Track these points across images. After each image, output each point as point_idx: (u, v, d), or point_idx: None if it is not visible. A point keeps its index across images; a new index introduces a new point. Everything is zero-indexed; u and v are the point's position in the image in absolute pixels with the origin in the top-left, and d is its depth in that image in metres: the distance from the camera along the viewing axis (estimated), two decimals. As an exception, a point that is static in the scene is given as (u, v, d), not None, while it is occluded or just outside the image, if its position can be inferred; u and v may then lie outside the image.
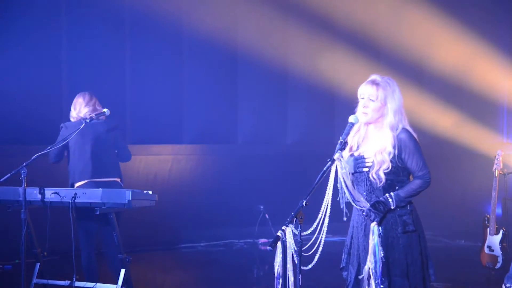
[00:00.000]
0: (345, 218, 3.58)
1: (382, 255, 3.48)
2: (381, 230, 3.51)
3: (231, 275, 7.04)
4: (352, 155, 3.65)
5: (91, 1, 8.26)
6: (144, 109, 8.59)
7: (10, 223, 5.79)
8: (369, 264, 3.51)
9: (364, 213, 3.56)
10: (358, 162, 3.57)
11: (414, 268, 3.55)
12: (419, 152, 3.56)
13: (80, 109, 5.39)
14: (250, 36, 9.17)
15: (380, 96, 3.56)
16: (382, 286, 3.48)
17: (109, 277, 5.37)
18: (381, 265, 3.48)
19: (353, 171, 3.61)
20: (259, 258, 7.86)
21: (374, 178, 3.54)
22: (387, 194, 3.53)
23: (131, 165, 8.36)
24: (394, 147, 3.54)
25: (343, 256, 3.78)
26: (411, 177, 3.62)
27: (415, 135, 3.61)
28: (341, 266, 3.78)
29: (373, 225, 3.52)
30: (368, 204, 3.56)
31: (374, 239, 3.50)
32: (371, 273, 3.50)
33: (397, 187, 3.56)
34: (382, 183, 3.53)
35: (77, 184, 5.22)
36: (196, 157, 9.06)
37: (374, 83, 3.60)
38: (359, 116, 3.59)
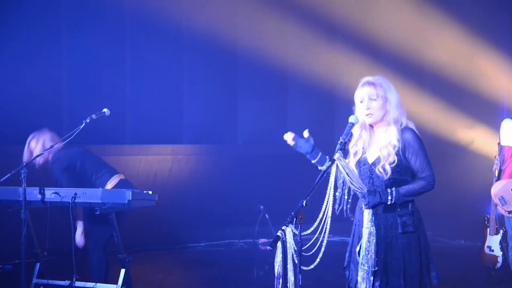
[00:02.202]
0: (345, 215, 3.55)
1: (373, 241, 3.49)
2: (372, 220, 3.52)
3: (231, 275, 7.04)
4: (358, 160, 3.64)
5: (91, 1, 8.26)
6: (144, 109, 8.59)
7: (10, 223, 5.79)
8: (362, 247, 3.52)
9: (360, 195, 3.56)
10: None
11: (411, 270, 3.53)
12: (424, 153, 3.54)
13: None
14: (250, 36, 9.17)
15: (380, 93, 3.56)
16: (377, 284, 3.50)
17: (109, 277, 5.36)
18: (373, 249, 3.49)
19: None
20: (259, 258, 7.87)
21: (380, 172, 3.52)
22: (388, 189, 3.52)
23: (131, 165, 8.37)
24: (398, 141, 3.53)
25: (346, 255, 3.78)
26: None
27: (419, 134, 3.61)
28: (344, 265, 3.78)
29: (364, 209, 3.55)
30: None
31: (367, 225, 3.52)
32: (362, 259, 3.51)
33: (399, 186, 3.55)
34: (388, 175, 3.52)
35: (111, 184, 5.25)
36: (196, 157, 9.06)
37: (371, 83, 3.59)
38: (364, 119, 3.58)
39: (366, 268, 3.49)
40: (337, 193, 3.47)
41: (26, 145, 5.31)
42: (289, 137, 3.75)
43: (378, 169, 3.52)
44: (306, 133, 3.75)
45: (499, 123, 5.83)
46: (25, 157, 5.26)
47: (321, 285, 6.17)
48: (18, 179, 4.77)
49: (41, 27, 7.94)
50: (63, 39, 8.19)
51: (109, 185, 5.24)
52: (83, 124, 5.14)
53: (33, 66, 7.88)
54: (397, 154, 3.52)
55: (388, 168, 3.51)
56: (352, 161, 3.64)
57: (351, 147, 3.64)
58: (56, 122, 7.94)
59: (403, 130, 3.57)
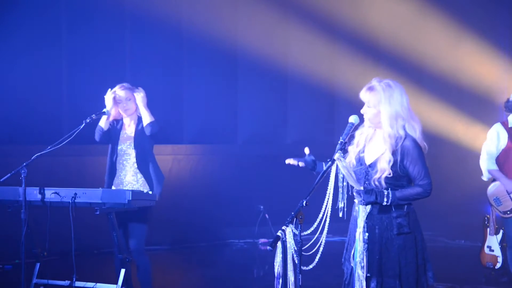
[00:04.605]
0: (341, 215, 3.56)
1: (365, 246, 3.50)
2: (366, 211, 3.53)
3: (231, 275, 7.04)
4: (358, 154, 3.63)
5: (91, 1, 8.26)
6: (144, 109, 8.57)
7: (10, 223, 5.79)
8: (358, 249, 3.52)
9: (355, 192, 3.57)
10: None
11: (407, 270, 3.53)
12: (422, 161, 3.51)
13: None
14: (250, 36, 9.17)
15: (373, 101, 3.53)
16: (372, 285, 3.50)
17: (109, 277, 5.36)
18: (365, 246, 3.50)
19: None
20: (259, 258, 7.86)
21: (375, 185, 3.52)
22: (384, 191, 3.51)
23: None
24: (393, 154, 3.50)
25: (344, 253, 3.79)
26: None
27: (421, 144, 3.54)
28: (342, 262, 3.80)
29: (356, 202, 3.57)
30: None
31: (358, 230, 3.52)
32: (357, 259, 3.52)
33: (395, 190, 3.55)
34: (383, 188, 3.52)
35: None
36: (196, 157, 9.06)
37: (369, 88, 3.56)
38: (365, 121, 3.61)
39: (359, 271, 3.50)
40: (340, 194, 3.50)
41: (128, 94, 5.24)
42: (292, 161, 3.70)
43: (374, 182, 3.51)
44: (307, 150, 3.70)
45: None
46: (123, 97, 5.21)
47: (321, 285, 6.17)
48: (18, 179, 4.77)
49: (41, 27, 7.94)
50: (63, 40, 8.19)
51: None
52: (83, 124, 5.14)
53: (33, 66, 7.88)
54: (392, 168, 3.50)
55: (383, 182, 3.50)
56: (353, 151, 3.62)
57: (357, 135, 3.63)
58: (56, 122, 7.95)
59: (404, 138, 3.53)
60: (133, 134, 5.25)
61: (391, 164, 3.49)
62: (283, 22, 9.43)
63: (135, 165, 5.17)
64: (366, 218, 3.54)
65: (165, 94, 8.75)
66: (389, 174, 3.49)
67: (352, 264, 3.56)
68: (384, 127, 3.52)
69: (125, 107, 5.25)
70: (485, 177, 5.87)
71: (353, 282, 3.56)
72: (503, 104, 5.79)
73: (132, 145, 5.20)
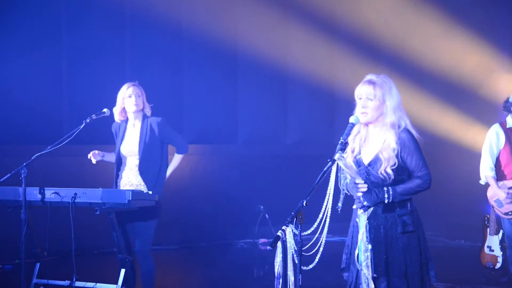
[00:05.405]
0: (339, 206, 3.55)
1: (369, 247, 3.49)
2: (367, 225, 3.52)
3: (231, 275, 7.04)
4: (355, 157, 3.64)
5: (91, 2, 8.26)
6: (144, 109, 8.57)
7: (10, 223, 5.79)
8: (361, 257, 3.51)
9: (356, 198, 3.56)
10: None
11: (412, 269, 3.53)
12: (419, 152, 3.55)
13: None
14: (250, 36, 9.18)
15: (378, 94, 3.56)
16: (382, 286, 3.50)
17: (109, 277, 5.36)
18: (370, 257, 3.49)
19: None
20: (259, 258, 7.86)
21: (383, 176, 3.53)
22: (384, 188, 3.52)
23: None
24: (397, 143, 3.54)
25: (343, 257, 3.77)
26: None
27: (416, 136, 3.60)
28: (342, 266, 3.77)
29: (360, 213, 3.55)
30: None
31: (361, 231, 3.52)
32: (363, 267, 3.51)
33: (396, 185, 3.55)
34: (391, 179, 3.52)
35: None
36: (196, 157, 9.05)
37: (371, 82, 3.59)
38: (359, 117, 3.59)
39: (366, 272, 3.49)
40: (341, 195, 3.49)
41: (137, 90, 5.29)
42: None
43: (381, 173, 3.52)
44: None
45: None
46: (138, 101, 5.25)
47: (321, 285, 6.17)
48: (18, 179, 4.77)
49: (41, 27, 7.94)
50: (63, 40, 8.19)
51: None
52: (83, 124, 5.14)
53: (33, 66, 7.88)
54: (396, 156, 3.53)
55: (390, 171, 3.52)
56: (350, 157, 3.64)
57: (350, 142, 3.65)
58: (56, 122, 7.96)
59: (401, 130, 3.57)
60: (137, 136, 5.25)
61: (395, 152, 3.51)
62: (283, 22, 9.44)
63: (137, 166, 5.16)
64: (371, 218, 3.54)
65: (165, 94, 8.75)
66: (394, 163, 3.50)
67: (358, 268, 3.54)
68: (387, 117, 3.56)
69: (134, 102, 5.24)
70: (482, 181, 5.91)
71: (359, 284, 3.55)
72: (501, 105, 5.78)
73: (136, 146, 5.20)
